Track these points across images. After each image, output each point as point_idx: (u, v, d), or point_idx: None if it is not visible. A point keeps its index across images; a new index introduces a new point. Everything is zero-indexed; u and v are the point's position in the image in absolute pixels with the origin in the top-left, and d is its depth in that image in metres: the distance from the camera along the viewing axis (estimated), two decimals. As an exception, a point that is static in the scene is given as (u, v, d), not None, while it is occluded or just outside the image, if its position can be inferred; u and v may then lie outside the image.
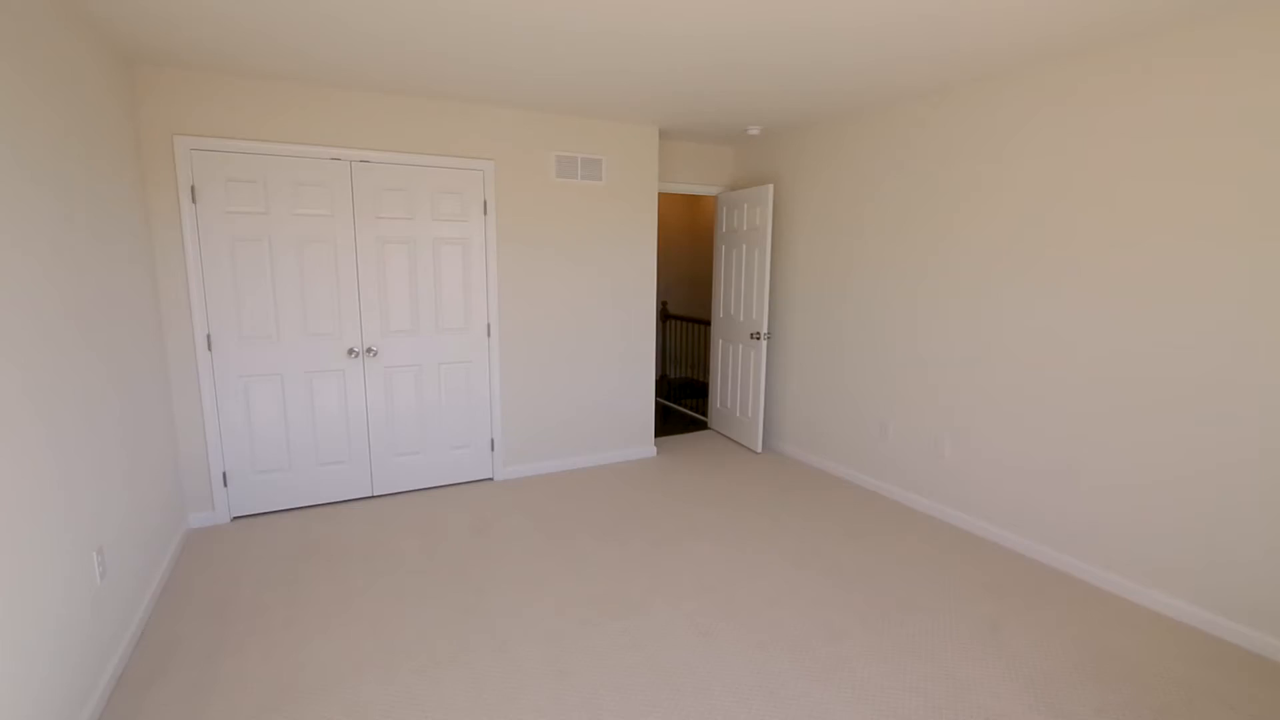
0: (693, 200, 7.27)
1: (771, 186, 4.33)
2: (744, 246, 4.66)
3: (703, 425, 5.42)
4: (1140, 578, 2.66)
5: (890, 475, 3.81)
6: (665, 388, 6.74)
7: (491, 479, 4.08)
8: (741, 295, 4.74)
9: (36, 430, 1.76)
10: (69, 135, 2.11)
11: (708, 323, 6.05)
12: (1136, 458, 2.63)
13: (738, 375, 4.85)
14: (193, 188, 3.13)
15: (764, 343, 4.53)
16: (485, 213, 3.80)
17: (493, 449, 4.05)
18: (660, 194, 4.98)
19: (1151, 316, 2.55)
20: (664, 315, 7.05)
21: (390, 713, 2.00)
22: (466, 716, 1.98)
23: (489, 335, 3.93)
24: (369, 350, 3.62)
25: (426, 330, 3.76)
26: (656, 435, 5.02)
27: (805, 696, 2.08)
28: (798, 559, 3.03)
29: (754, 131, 4.31)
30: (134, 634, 2.34)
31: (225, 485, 3.40)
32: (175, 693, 2.09)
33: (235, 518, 3.46)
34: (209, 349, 3.26)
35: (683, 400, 6.29)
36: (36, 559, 1.68)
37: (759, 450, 4.66)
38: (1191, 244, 2.42)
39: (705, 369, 7.04)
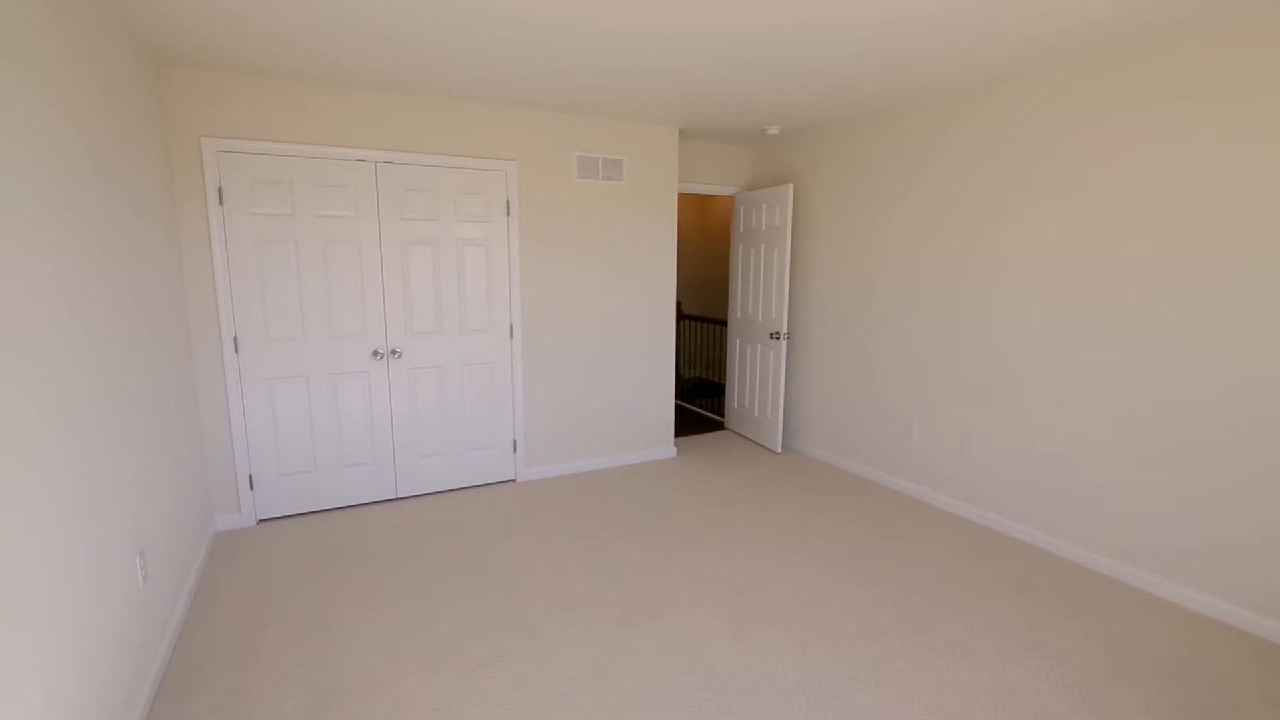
0: (705, 200, 7.27)
1: (791, 186, 4.33)
2: (763, 246, 4.65)
3: (719, 425, 5.41)
4: (1163, 570, 2.65)
5: (914, 474, 3.80)
6: (680, 388, 6.73)
7: (514, 480, 4.08)
8: (760, 295, 4.73)
9: (115, 428, 1.75)
10: (110, 133, 2.10)
11: (722, 322, 6.04)
12: (1149, 436, 2.63)
13: (756, 375, 4.84)
14: (220, 189, 3.12)
15: (783, 342, 4.52)
16: (508, 213, 3.79)
17: (515, 450, 4.05)
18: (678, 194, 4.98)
19: (1175, 317, 2.55)
20: (678, 315, 7.04)
21: (435, 715, 1.99)
22: (515, 718, 1.98)
23: (512, 336, 3.93)
24: (393, 351, 3.62)
25: (450, 331, 3.75)
26: (674, 435, 5.00)
27: (852, 698, 2.07)
28: (826, 559, 3.03)
29: (773, 131, 4.30)
30: (172, 638, 2.33)
31: (251, 488, 3.39)
32: (216, 696, 2.08)
33: (261, 520, 3.45)
34: (235, 350, 3.26)
35: (697, 400, 6.28)
36: (92, 563, 1.67)
37: (778, 450, 4.66)
38: (1210, 240, 2.42)
39: (719, 369, 7.04)
